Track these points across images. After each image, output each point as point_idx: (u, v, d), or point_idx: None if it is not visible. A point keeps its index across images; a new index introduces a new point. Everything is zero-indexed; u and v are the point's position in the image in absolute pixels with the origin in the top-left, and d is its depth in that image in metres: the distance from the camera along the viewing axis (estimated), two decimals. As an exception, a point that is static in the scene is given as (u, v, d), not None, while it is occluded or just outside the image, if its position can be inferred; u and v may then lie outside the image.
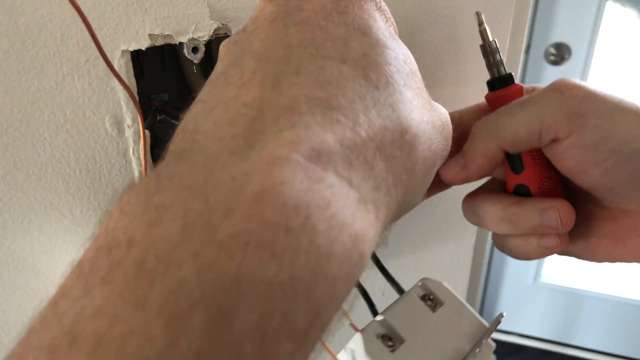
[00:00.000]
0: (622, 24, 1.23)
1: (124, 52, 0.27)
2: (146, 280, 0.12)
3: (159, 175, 0.15)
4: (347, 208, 0.15)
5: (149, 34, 0.27)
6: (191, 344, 0.11)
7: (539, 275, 1.54)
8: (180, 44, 0.29)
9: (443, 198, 0.44)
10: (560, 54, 1.27)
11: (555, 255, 0.30)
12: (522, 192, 0.30)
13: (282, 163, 0.14)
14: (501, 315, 0.27)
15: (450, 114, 0.32)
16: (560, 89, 0.27)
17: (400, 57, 0.20)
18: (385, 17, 0.21)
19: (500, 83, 0.30)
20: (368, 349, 0.25)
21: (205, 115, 0.17)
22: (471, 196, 0.33)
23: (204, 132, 0.16)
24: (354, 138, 0.16)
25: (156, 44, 0.28)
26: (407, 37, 0.34)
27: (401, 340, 0.26)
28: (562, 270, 1.53)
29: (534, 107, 0.27)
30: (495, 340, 0.28)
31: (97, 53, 0.27)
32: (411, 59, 0.21)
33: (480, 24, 0.30)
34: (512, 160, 0.30)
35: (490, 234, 0.50)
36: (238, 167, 0.14)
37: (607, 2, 1.20)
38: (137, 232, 0.13)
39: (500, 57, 0.30)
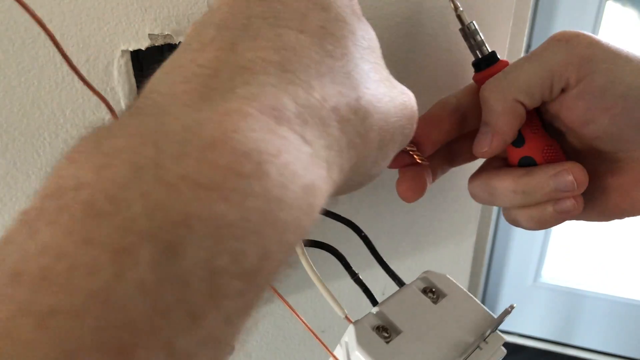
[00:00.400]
0: (622, 24, 1.23)
1: (123, 52, 0.27)
2: (94, 220, 0.12)
3: (110, 127, 0.15)
4: (300, 160, 0.15)
5: (149, 34, 0.27)
6: (137, 276, 0.12)
7: (539, 275, 1.54)
8: (180, 44, 0.29)
9: (443, 199, 0.44)
10: (560, 54, 1.27)
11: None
12: (527, 164, 0.30)
13: (235, 114, 0.15)
14: (511, 307, 0.27)
15: (447, 99, 0.32)
16: (564, 38, 0.28)
17: (358, 32, 0.20)
18: None
19: (486, 62, 0.30)
20: (360, 340, 0.25)
21: (161, 77, 0.17)
22: (477, 176, 0.32)
23: (158, 91, 0.16)
24: (308, 98, 0.17)
25: (156, 44, 0.28)
26: (406, 35, 0.34)
27: (397, 332, 0.26)
28: (562, 270, 1.53)
29: (542, 58, 0.28)
30: (494, 341, 0.27)
31: (97, 53, 0.27)
32: (371, 35, 0.21)
33: (456, 8, 0.30)
34: None
35: (490, 233, 0.50)
36: (190, 118, 0.14)
37: (607, 2, 1.20)
38: (85, 176, 0.13)
39: (481, 37, 0.31)
